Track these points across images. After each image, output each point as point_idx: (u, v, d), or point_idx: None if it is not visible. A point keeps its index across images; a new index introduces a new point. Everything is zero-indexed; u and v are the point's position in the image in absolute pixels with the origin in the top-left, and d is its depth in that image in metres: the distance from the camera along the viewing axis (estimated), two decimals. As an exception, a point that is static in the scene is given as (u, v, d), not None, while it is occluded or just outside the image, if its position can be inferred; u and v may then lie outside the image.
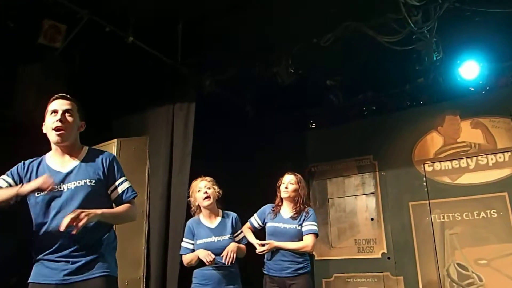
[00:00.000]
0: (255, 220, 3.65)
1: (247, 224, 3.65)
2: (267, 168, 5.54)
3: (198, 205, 3.33)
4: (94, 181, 2.19)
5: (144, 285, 4.35)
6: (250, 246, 3.48)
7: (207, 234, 3.24)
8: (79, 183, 2.15)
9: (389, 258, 5.23)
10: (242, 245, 3.28)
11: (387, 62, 4.54)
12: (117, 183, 2.26)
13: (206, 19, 4.14)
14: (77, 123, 2.26)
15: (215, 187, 3.34)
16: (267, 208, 3.66)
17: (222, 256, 3.11)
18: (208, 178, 3.37)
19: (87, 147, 2.35)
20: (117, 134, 4.66)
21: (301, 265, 3.36)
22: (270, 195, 3.73)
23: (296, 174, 3.64)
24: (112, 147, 4.51)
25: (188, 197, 3.42)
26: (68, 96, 2.29)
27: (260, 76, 4.66)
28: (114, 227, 2.36)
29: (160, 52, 4.37)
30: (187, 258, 3.23)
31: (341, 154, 5.73)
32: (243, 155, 5.58)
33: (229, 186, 3.55)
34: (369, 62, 4.61)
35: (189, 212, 4.20)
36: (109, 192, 2.25)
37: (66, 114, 2.21)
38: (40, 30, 3.68)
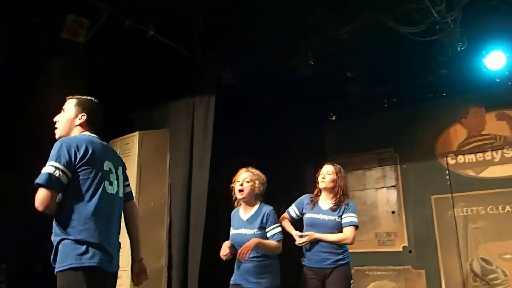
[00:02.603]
0: (293, 210, 3.58)
1: (285, 214, 3.59)
2: (286, 161, 5.57)
3: (236, 196, 3.32)
4: None
5: (167, 274, 4.44)
6: (288, 237, 3.43)
7: (238, 225, 3.25)
8: None
9: (410, 251, 5.18)
10: (271, 242, 3.16)
11: (408, 53, 4.47)
12: None
13: (225, 11, 4.14)
14: (68, 118, 2.43)
15: (257, 181, 3.28)
16: (305, 198, 3.59)
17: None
18: (254, 171, 3.33)
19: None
20: (138, 127, 4.73)
21: (340, 257, 3.32)
22: (289, 188, 3.72)
23: (335, 164, 3.56)
24: (134, 140, 4.59)
25: (232, 183, 3.37)
26: (70, 97, 2.50)
27: (279, 69, 4.65)
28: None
29: (179, 46, 4.41)
30: None
31: (362, 147, 5.67)
32: (262, 149, 5.60)
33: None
34: (390, 53, 4.54)
35: (210, 203, 4.28)
36: None
37: (59, 115, 2.48)
38: (63, 24, 3.75)
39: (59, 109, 2.52)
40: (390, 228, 5.38)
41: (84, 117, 2.43)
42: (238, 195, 3.25)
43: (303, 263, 3.45)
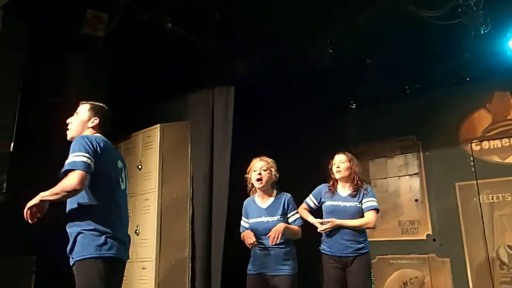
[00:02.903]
0: (311, 200, 3.60)
1: (303, 205, 3.60)
2: (306, 152, 5.55)
3: (254, 185, 3.34)
4: None
5: (190, 265, 4.51)
6: (306, 226, 3.44)
7: (258, 214, 3.26)
8: None
9: (434, 239, 5.12)
10: (294, 226, 3.21)
11: (430, 38, 4.37)
12: None
13: (241, 2, 4.13)
14: (81, 120, 2.58)
15: (272, 169, 3.30)
16: (323, 187, 3.60)
17: (268, 236, 3.10)
18: (268, 160, 3.34)
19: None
20: (159, 120, 4.78)
21: (362, 245, 3.34)
22: (309, 178, 3.71)
23: (346, 153, 3.58)
24: (155, 132, 4.65)
25: (246, 173, 3.40)
26: (83, 102, 2.67)
27: (297, 58, 4.61)
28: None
29: (197, 38, 4.42)
30: (242, 236, 3.28)
31: (383, 134, 5.60)
32: (280, 140, 5.59)
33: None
34: (411, 39, 4.46)
35: (232, 194, 4.30)
36: None
37: (72, 118, 2.62)
38: (83, 20, 3.81)
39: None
40: (414, 216, 5.33)
41: (97, 121, 2.58)
42: (257, 184, 3.26)
43: (322, 251, 3.46)
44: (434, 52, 4.76)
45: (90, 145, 2.33)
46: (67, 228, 2.35)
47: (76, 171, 2.22)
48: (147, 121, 4.85)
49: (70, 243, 2.31)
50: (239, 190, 3.54)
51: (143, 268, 4.35)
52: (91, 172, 2.28)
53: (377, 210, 3.40)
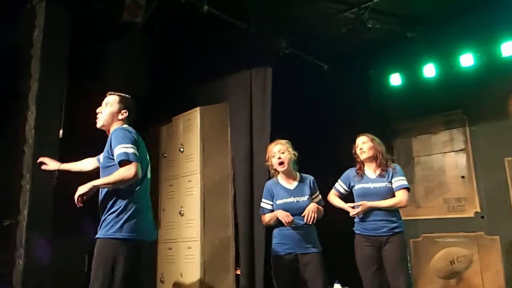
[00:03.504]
0: (340, 185, 3.60)
1: (333, 191, 3.62)
2: (349, 129, 5.47)
3: (278, 170, 3.37)
4: (105, 156, 2.61)
5: (234, 244, 4.60)
6: (333, 209, 3.49)
7: (286, 195, 3.28)
8: (102, 160, 2.66)
9: (482, 217, 4.96)
10: (320, 207, 3.29)
11: (473, 8, 4.18)
12: (114, 152, 2.50)
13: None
14: (112, 111, 2.71)
15: (290, 149, 3.32)
16: (350, 172, 3.58)
17: (303, 215, 3.15)
18: (282, 141, 3.37)
19: (116, 127, 2.66)
20: (199, 102, 4.84)
21: (395, 224, 3.31)
22: (350, 157, 3.67)
23: (365, 134, 3.55)
24: (195, 115, 4.72)
25: (266, 161, 3.46)
26: (111, 93, 2.79)
27: (336, 34, 4.53)
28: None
29: (234, 18, 4.41)
30: (265, 218, 3.32)
31: (426, 110, 5.41)
32: (322, 117, 5.54)
33: (309, 149, 3.56)
34: (454, 9, 4.27)
35: (271, 174, 4.33)
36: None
37: (102, 107, 2.75)
38: (123, 7, 3.88)
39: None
40: (460, 194, 5.17)
41: (126, 114, 2.73)
42: (280, 168, 3.30)
43: (356, 231, 3.44)
44: (479, 21, 4.54)
45: (133, 138, 2.53)
46: (101, 212, 2.55)
47: (133, 163, 2.42)
48: (187, 104, 4.92)
49: (99, 226, 2.52)
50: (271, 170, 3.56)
51: (189, 248, 4.49)
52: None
53: (407, 188, 3.37)
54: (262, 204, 3.39)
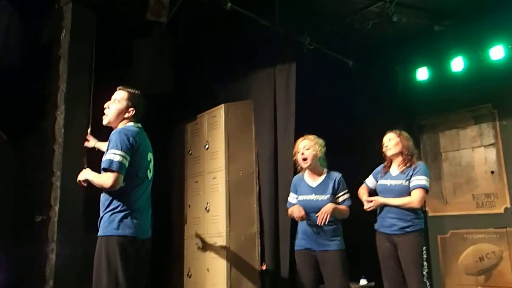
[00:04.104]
0: (369, 180, 3.63)
1: (363, 185, 3.64)
2: (375, 125, 5.41)
3: (302, 166, 3.38)
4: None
5: (259, 240, 4.62)
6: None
7: (308, 192, 3.30)
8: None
9: (513, 213, 4.85)
10: (342, 206, 3.24)
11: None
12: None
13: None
14: (119, 108, 2.72)
15: (316, 145, 3.31)
16: (380, 167, 3.60)
17: (317, 216, 3.13)
18: (311, 137, 3.37)
19: (120, 127, 2.71)
20: (224, 100, 4.87)
21: (409, 223, 3.26)
22: (377, 155, 3.65)
23: (393, 130, 3.52)
24: (220, 112, 4.75)
25: (293, 156, 3.46)
26: (121, 88, 2.80)
27: (362, 29, 4.48)
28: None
29: (257, 15, 4.41)
30: (289, 211, 3.38)
31: (454, 104, 5.30)
32: (348, 113, 5.49)
33: (335, 146, 3.54)
34: (483, 1, 4.16)
35: (296, 170, 4.34)
36: None
37: (110, 103, 2.76)
38: (146, 6, 3.93)
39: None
40: (490, 189, 5.06)
41: (133, 112, 2.73)
42: (303, 164, 3.31)
43: (375, 228, 3.45)
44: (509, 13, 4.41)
45: (128, 143, 2.55)
46: (101, 207, 2.61)
47: (113, 174, 2.47)
48: (212, 101, 4.96)
49: (99, 222, 2.59)
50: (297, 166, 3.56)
51: (214, 243, 4.54)
52: (124, 172, 2.52)
53: (424, 189, 3.27)
54: (288, 198, 3.46)
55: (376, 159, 3.68)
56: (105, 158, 2.52)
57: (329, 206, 3.13)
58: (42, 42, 4.10)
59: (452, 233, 5.20)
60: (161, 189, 5.39)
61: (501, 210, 4.94)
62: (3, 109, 4.37)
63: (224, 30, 4.75)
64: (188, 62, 5.09)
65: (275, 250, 4.50)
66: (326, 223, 3.10)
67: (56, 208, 3.45)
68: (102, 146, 3.15)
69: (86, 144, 3.29)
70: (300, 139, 3.41)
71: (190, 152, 5.15)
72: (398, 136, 3.45)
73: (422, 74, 5.45)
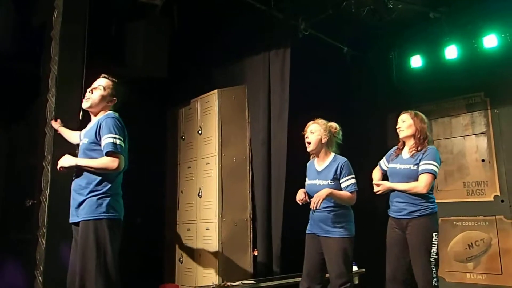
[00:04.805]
0: (383, 162, 3.56)
1: (377, 167, 3.59)
2: (369, 111, 5.42)
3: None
4: (90, 140, 2.70)
5: (251, 226, 4.64)
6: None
7: (313, 176, 3.28)
8: (85, 140, 2.74)
9: (502, 201, 4.90)
10: (344, 192, 3.17)
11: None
12: (102, 139, 2.64)
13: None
14: (103, 95, 2.78)
15: (323, 130, 3.26)
16: (392, 149, 3.52)
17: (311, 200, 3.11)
18: (319, 121, 3.31)
19: (107, 113, 2.78)
20: (218, 85, 4.83)
21: (418, 207, 3.17)
22: (372, 140, 3.63)
23: (409, 111, 3.40)
24: (213, 97, 4.71)
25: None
26: (105, 76, 2.86)
27: (357, 14, 4.44)
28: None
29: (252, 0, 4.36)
30: None
31: (447, 92, 5.31)
32: (343, 99, 5.48)
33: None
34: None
35: (290, 156, 4.34)
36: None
37: (94, 89, 2.82)
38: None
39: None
40: (480, 177, 5.11)
41: (115, 101, 2.83)
42: (307, 148, 3.28)
43: (388, 213, 3.40)
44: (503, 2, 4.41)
45: (122, 128, 2.68)
46: (78, 191, 2.65)
47: (119, 156, 2.60)
48: (205, 86, 4.92)
49: (82, 204, 2.60)
50: (297, 153, 3.55)
51: (207, 229, 4.54)
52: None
53: (432, 174, 3.17)
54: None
55: (369, 144, 3.67)
56: (106, 142, 2.59)
57: (323, 191, 3.07)
58: (35, 23, 4.01)
59: (442, 220, 5.23)
60: (153, 174, 5.39)
61: (491, 198, 4.99)
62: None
63: (219, 14, 4.68)
64: (183, 46, 5.03)
65: (267, 236, 4.52)
66: (318, 207, 3.04)
67: (47, 192, 3.40)
68: (65, 132, 3.21)
69: (53, 123, 3.28)
70: (311, 122, 3.34)
71: (183, 137, 5.12)
72: (412, 118, 3.32)
73: (416, 61, 5.45)
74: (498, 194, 4.95)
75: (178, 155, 5.16)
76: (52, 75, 3.63)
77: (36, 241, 3.39)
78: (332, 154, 3.30)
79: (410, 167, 3.25)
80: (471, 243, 5.06)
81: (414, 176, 3.23)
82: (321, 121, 3.32)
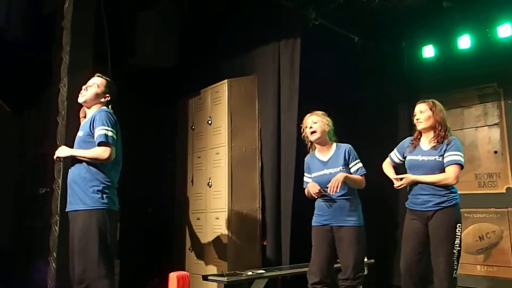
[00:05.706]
0: (394, 155, 3.45)
1: (387, 159, 3.50)
2: (378, 103, 5.38)
3: (311, 140, 3.36)
4: (85, 132, 2.86)
5: (261, 215, 4.66)
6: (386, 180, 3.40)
7: (320, 167, 3.29)
8: (81, 133, 2.89)
9: (515, 193, 4.86)
10: (356, 176, 3.19)
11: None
12: (95, 131, 2.78)
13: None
14: (97, 93, 2.94)
15: (324, 120, 3.30)
16: (406, 141, 3.42)
17: (327, 187, 3.09)
18: (319, 112, 3.34)
19: (101, 108, 2.92)
20: (228, 75, 4.83)
21: (444, 198, 3.10)
22: (382, 131, 3.59)
23: (427, 100, 3.31)
24: (223, 87, 4.72)
25: (302, 133, 3.44)
26: (99, 75, 3.02)
27: (368, 4, 4.40)
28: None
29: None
30: (305, 192, 3.34)
31: (459, 82, 5.25)
32: (353, 89, 5.45)
33: (340, 122, 3.52)
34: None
35: (300, 147, 4.33)
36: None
37: (89, 86, 2.98)
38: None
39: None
40: (492, 169, 5.06)
41: (108, 98, 2.98)
42: (312, 137, 3.29)
43: (406, 205, 3.33)
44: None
45: (114, 121, 2.83)
46: (75, 181, 2.77)
47: (110, 147, 2.73)
48: (216, 77, 4.92)
49: (76, 195, 2.75)
50: (307, 143, 3.55)
51: (217, 218, 4.57)
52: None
53: (460, 164, 3.12)
54: (304, 179, 3.43)
55: (379, 135, 3.64)
56: (99, 133, 2.74)
57: (340, 175, 3.09)
58: (46, 13, 4.03)
59: (453, 212, 5.21)
60: (164, 164, 5.44)
61: (503, 190, 4.94)
62: (7, 81, 4.35)
63: (229, 3, 4.67)
64: (193, 36, 5.04)
65: (276, 226, 4.54)
66: (338, 191, 3.05)
67: (59, 181, 3.45)
68: None
69: (81, 112, 3.35)
70: (308, 115, 3.37)
71: (193, 127, 5.14)
72: (431, 108, 3.23)
73: (428, 51, 5.38)
74: (511, 186, 4.90)
75: (188, 145, 5.19)
76: (64, 65, 3.66)
77: (49, 228, 3.45)
78: (334, 143, 3.34)
79: (435, 158, 3.15)
80: (482, 235, 5.03)
81: (440, 168, 3.15)
82: (319, 112, 3.35)
